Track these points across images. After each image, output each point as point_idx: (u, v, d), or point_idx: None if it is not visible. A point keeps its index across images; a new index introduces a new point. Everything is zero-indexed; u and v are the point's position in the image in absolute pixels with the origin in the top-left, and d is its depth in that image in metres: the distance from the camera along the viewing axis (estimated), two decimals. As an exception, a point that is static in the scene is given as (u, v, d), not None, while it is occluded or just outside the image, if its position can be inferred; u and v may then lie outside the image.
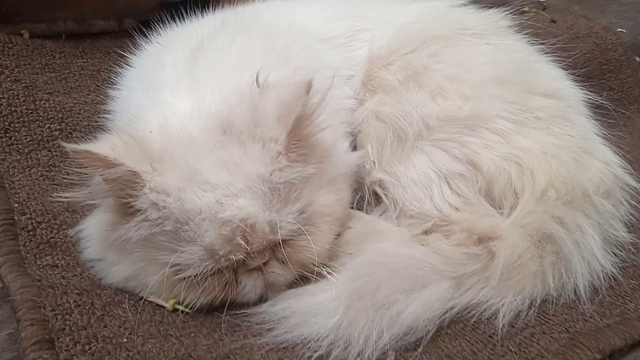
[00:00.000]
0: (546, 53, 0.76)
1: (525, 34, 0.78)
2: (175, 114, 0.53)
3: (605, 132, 0.72)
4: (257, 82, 0.51)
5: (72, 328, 0.45)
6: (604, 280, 0.59)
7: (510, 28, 0.72)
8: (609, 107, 0.99)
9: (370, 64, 0.66)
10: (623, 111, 1.09)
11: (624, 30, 1.19)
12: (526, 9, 1.26)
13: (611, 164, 0.65)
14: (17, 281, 0.49)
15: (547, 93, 0.64)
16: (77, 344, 0.44)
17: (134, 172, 0.46)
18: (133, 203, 0.47)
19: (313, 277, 0.53)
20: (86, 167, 0.47)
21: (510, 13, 0.77)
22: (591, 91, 1.01)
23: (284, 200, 0.50)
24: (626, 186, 0.67)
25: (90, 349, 0.44)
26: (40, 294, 0.47)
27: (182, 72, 0.58)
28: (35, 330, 0.44)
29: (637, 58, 1.14)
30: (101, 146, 0.47)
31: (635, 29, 1.20)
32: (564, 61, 1.05)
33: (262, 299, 0.52)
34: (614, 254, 0.62)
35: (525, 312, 0.54)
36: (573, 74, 1.03)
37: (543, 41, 0.79)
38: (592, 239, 0.59)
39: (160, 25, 0.70)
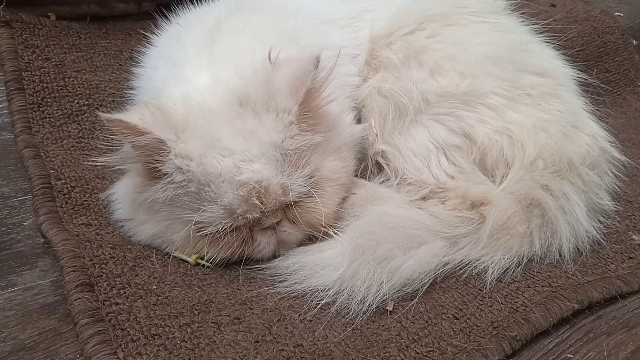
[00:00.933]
0: (544, 35, 0.80)
1: (523, 18, 0.82)
2: (196, 88, 0.57)
3: (598, 111, 0.76)
4: (269, 58, 0.55)
5: (108, 275, 0.51)
6: (588, 244, 0.64)
7: (506, 9, 0.76)
8: (600, 87, 1.04)
9: (372, 43, 0.70)
10: (619, 92, 1.14)
11: (622, 14, 1.22)
12: (527, -7, 1.29)
13: (598, 137, 0.69)
14: (58, 235, 0.54)
15: (538, 71, 0.68)
16: (113, 289, 0.50)
17: (161, 139, 0.51)
18: (160, 167, 0.52)
19: (321, 237, 0.58)
20: (118, 134, 0.52)
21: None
22: (586, 72, 1.06)
23: (295, 165, 0.54)
24: (612, 159, 0.71)
25: (124, 292, 0.50)
26: (79, 247, 0.53)
27: (202, 50, 0.62)
28: (77, 276, 0.50)
29: (634, 41, 1.17)
30: (131, 116, 0.52)
31: (632, 13, 1.24)
32: (561, 43, 1.10)
33: (275, 256, 0.57)
34: (599, 220, 0.67)
35: (512, 270, 0.59)
36: (570, 56, 1.08)
37: (541, 23, 0.83)
38: (577, 205, 0.63)
39: (179, 7, 0.75)
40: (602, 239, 0.66)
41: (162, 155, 0.52)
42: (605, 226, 0.67)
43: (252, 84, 0.54)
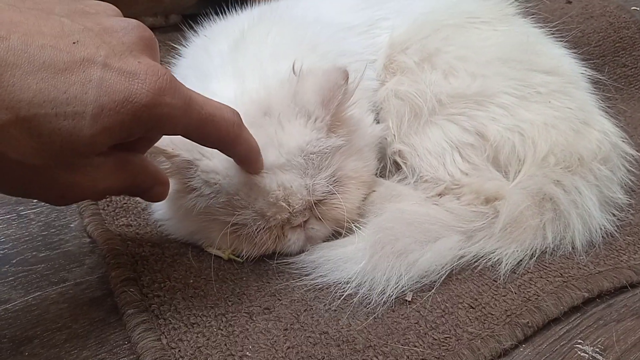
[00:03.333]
0: (559, 33, 0.83)
1: (540, 16, 0.85)
2: (222, 100, 0.60)
3: (612, 107, 0.78)
4: (293, 70, 0.58)
5: (149, 271, 0.56)
6: (601, 236, 0.66)
7: (517, 15, 0.78)
8: (616, 82, 1.06)
9: (390, 49, 0.74)
10: (637, 86, 1.15)
11: (638, 9, 1.23)
12: (545, -13, 1.31)
13: (608, 133, 0.72)
14: (102, 235, 0.59)
15: (548, 70, 0.71)
16: (155, 282, 0.55)
17: (188, 160, 0.55)
18: (189, 183, 0.56)
19: (345, 232, 0.62)
20: (150, 155, 0.55)
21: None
22: (603, 67, 1.08)
23: (318, 167, 0.58)
24: (624, 154, 0.73)
25: (165, 286, 0.55)
26: (122, 245, 0.58)
27: (227, 61, 0.66)
28: (122, 271, 0.55)
29: (651, 35, 1.18)
30: (161, 141, 0.54)
31: (648, 7, 1.25)
32: (577, 40, 1.12)
33: (302, 251, 0.61)
34: (612, 214, 0.69)
35: (526, 261, 0.62)
36: (586, 52, 1.10)
37: (556, 22, 0.85)
38: (589, 199, 0.66)
39: (205, 19, 0.80)
40: (615, 231, 0.68)
41: (190, 173, 0.56)
42: (618, 219, 0.69)
43: (276, 95, 0.58)
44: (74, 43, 0.39)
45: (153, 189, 0.50)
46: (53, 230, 0.64)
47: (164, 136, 0.56)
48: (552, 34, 0.82)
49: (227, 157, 0.55)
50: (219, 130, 0.48)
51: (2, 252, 0.60)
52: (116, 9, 0.47)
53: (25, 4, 0.41)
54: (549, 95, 0.69)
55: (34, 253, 0.61)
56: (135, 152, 0.48)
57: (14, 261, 0.59)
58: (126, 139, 0.43)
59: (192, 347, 0.49)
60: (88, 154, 0.41)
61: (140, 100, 0.40)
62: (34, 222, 0.65)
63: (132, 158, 0.47)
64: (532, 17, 0.82)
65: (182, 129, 0.45)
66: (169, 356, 0.48)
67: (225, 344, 0.50)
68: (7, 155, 0.38)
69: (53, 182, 0.41)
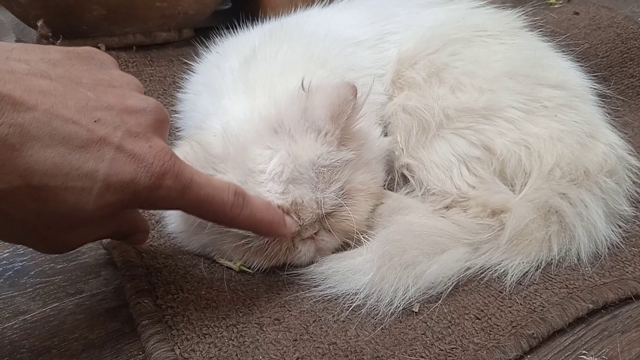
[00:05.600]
0: (566, 45, 0.84)
1: (547, 28, 0.86)
2: (234, 118, 0.62)
3: (618, 118, 0.79)
4: (302, 86, 0.60)
5: (163, 282, 0.57)
6: (607, 248, 0.67)
7: (524, 28, 0.80)
8: (624, 93, 1.06)
9: (398, 65, 0.75)
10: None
11: (646, 20, 1.24)
12: (552, 0, 1.33)
13: (615, 146, 0.72)
14: (118, 248, 0.61)
15: (554, 84, 0.72)
16: (168, 294, 0.56)
17: None
18: None
19: (354, 245, 0.63)
20: None
21: (535, 6, 0.85)
22: (610, 79, 1.08)
23: (328, 181, 0.59)
24: (630, 166, 0.74)
25: (178, 297, 0.56)
26: (136, 257, 0.60)
27: (238, 78, 0.68)
28: (136, 283, 0.56)
29: (659, 46, 1.18)
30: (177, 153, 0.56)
31: (656, 18, 1.25)
32: (585, 51, 1.12)
33: (311, 262, 0.62)
34: (618, 225, 0.70)
35: (532, 273, 0.62)
36: (594, 63, 1.10)
37: (563, 35, 0.87)
38: (595, 212, 0.66)
39: (217, 34, 0.82)
40: (621, 242, 0.68)
41: None
42: (624, 230, 0.70)
43: (286, 111, 0.59)
44: (95, 121, 0.42)
45: (134, 235, 0.55)
46: (70, 242, 0.66)
47: (178, 149, 0.58)
48: (560, 46, 0.83)
49: (242, 170, 0.57)
50: (216, 212, 0.50)
51: (20, 264, 0.62)
52: (139, 83, 0.50)
53: (57, 71, 0.43)
54: (556, 109, 0.70)
55: (52, 265, 0.63)
56: None
57: (32, 273, 0.61)
58: (122, 211, 0.47)
59: (204, 357, 0.50)
60: (85, 224, 0.44)
61: (143, 183, 0.43)
62: (51, 234, 0.67)
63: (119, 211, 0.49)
64: (540, 30, 0.83)
65: (179, 207, 0.49)
66: (182, 366, 0.49)
67: (237, 355, 0.51)
68: (10, 215, 0.40)
69: (47, 239, 0.44)
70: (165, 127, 0.48)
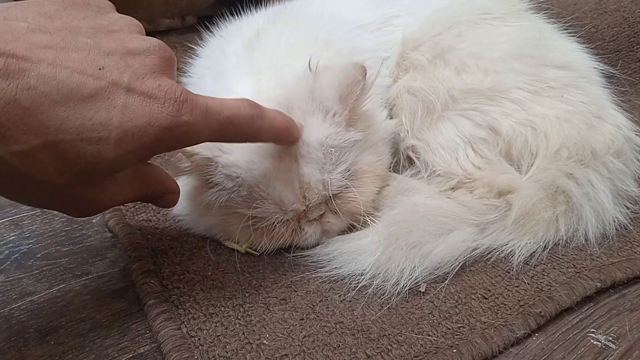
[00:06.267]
0: (573, 28, 0.83)
1: (552, 11, 0.85)
2: None
3: (627, 101, 0.78)
4: (309, 67, 0.60)
5: (169, 263, 0.57)
6: (614, 229, 0.66)
7: (529, 10, 0.79)
8: (631, 77, 1.05)
9: (403, 47, 0.74)
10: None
11: (653, 3, 1.22)
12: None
13: (622, 127, 0.71)
14: (123, 230, 0.61)
15: (560, 65, 0.71)
16: (174, 274, 0.56)
17: (208, 157, 0.56)
18: (211, 179, 0.57)
19: (360, 227, 0.63)
20: (171, 154, 0.58)
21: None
22: (617, 63, 1.07)
23: (335, 162, 0.59)
24: (637, 147, 0.73)
25: (184, 278, 0.56)
26: (142, 239, 0.60)
27: (242, 60, 0.67)
28: (143, 264, 0.56)
29: (665, 29, 1.17)
30: None
31: (663, 1, 1.24)
32: (591, 35, 1.11)
33: (317, 244, 0.62)
34: (626, 206, 0.69)
35: (539, 253, 0.62)
36: (601, 47, 1.09)
37: (569, 17, 0.86)
38: (602, 192, 0.66)
39: (220, 20, 0.81)
40: (629, 223, 0.68)
41: (211, 169, 0.57)
42: (632, 211, 0.70)
43: (294, 91, 0.59)
44: (100, 69, 0.41)
45: (165, 196, 0.53)
46: (76, 225, 0.66)
47: None
48: (565, 29, 0.82)
49: (247, 149, 0.56)
50: (240, 130, 0.49)
51: (27, 247, 0.63)
52: (139, 24, 0.49)
53: (55, 24, 0.42)
54: (562, 90, 0.69)
55: (58, 247, 0.63)
56: (148, 163, 0.50)
57: (38, 255, 0.61)
58: (148, 158, 0.45)
59: (211, 335, 0.50)
60: (109, 174, 0.44)
61: (160, 124, 0.42)
62: (57, 218, 0.67)
63: (146, 169, 0.49)
64: (545, 13, 0.82)
65: (204, 139, 0.47)
66: (189, 344, 0.49)
67: (243, 333, 0.51)
68: (32, 177, 0.40)
69: (73, 198, 0.44)
70: (171, 65, 0.47)
